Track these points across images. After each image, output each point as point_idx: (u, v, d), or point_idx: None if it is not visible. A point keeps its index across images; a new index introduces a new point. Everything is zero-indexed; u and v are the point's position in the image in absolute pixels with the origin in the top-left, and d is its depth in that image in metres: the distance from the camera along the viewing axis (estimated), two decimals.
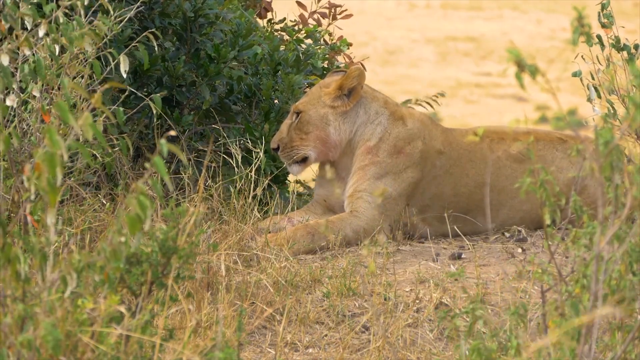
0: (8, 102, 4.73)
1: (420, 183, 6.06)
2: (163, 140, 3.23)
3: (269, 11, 7.55)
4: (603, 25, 6.40)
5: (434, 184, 6.10)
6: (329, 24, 7.59)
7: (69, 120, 3.14)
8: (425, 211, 6.08)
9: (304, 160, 6.13)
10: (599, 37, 6.40)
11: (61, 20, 4.80)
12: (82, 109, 5.16)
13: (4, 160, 4.83)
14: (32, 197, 3.23)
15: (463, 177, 6.13)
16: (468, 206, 6.11)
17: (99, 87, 5.18)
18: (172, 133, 3.50)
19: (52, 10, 4.91)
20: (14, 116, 5.21)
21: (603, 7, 6.38)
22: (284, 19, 7.49)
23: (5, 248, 3.11)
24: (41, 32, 4.71)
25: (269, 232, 5.77)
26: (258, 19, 7.31)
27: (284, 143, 6.11)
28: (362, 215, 5.96)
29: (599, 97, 6.37)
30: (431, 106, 7.42)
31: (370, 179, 6.03)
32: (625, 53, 6.41)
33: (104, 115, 4.76)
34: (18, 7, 4.80)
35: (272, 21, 7.46)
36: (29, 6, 4.61)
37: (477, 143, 6.14)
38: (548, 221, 3.45)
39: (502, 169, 6.20)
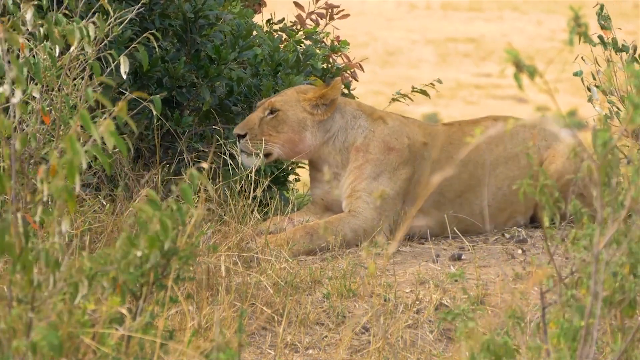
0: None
1: (413, 177, 6.12)
2: (194, 171, 3.23)
3: (262, 6, 7.54)
4: (602, 27, 6.43)
5: (425, 175, 6.15)
6: (327, 24, 7.59)
7: (91, 130, 3.13)
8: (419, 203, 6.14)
9: (266, 156, 6.13)
10: (600, 37, 6.43)
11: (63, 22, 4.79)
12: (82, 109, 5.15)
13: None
14: (45, 199, 3.22)
15: (449, 160, 6.20)
16: (459, 187, 6.19)
17: (99, 88, 5.17)
18: (204, 165, 3.49)
19: (49, 9, 4.90)
20: (14, 117, 5.19)
21: (601, 8, 6.40)
22: (283, 19, 7.48)
23: (23, 254, 3.09)
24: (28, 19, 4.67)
25: (270, 233, 5.77)
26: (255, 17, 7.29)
27: (253, 133, 6.12)
28: (360, 215, 5.98)
29: (604, 95, 6.41)
30: (410, 100, 7.40)
31: (367, 178, 6.08)
32: (624, 54, 6.44)
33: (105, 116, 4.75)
34: (19, 7, 4.80)
35: (271, 21, 7.45)
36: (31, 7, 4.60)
37: (449, 128, 6.24)
38: (547, 222, 3.45)
39: (478, 146, 6.26)
